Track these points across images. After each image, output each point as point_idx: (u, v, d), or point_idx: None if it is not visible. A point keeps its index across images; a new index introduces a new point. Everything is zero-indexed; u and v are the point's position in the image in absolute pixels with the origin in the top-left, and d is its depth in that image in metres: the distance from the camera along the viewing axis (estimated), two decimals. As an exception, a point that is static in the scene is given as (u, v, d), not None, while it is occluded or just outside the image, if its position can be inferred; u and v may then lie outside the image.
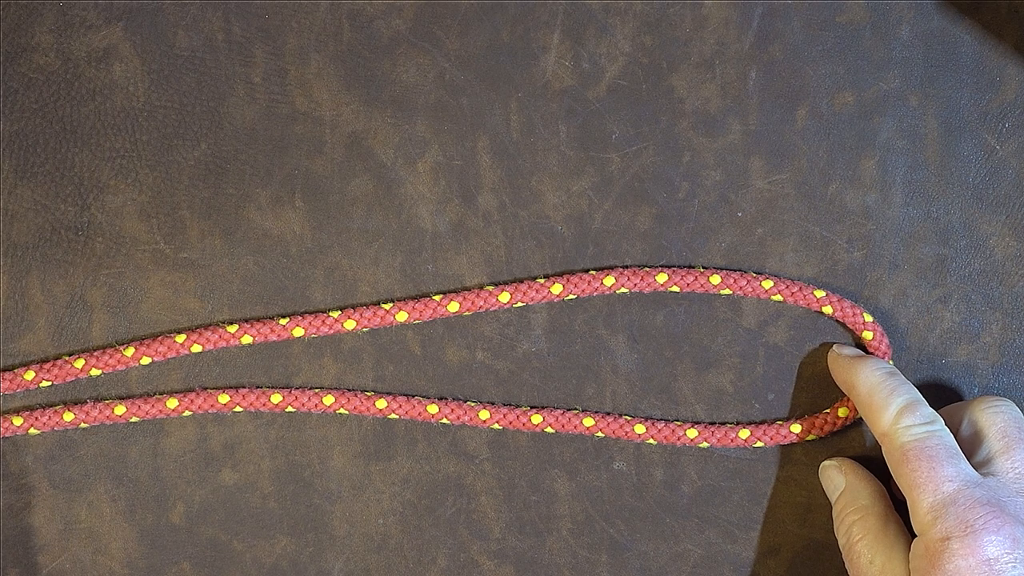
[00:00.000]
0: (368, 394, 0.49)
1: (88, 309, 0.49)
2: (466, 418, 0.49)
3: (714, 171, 0.49)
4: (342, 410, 0.49)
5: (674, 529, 0.50)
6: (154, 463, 0.49)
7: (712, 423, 0.49)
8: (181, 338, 0.48)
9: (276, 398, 0.48)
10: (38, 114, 0.48)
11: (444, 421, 0.49)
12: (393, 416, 0.49)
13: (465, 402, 0.49)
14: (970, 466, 0.43)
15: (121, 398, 0.49)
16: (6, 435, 0.48)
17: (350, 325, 0.48)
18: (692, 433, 0.49)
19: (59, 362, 0.48)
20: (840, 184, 0.48)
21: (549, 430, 0.49)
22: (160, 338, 0.49)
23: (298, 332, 0.48)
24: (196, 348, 0.48)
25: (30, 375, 0.48)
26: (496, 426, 0.49)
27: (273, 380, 0.49)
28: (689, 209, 0.49)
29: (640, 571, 0.50)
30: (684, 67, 0.48)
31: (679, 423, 0.49)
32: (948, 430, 0.44)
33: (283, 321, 0.48)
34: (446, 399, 0.49)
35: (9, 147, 0.48)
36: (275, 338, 0.49)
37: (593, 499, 0.50)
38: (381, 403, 0.49)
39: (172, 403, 0.48)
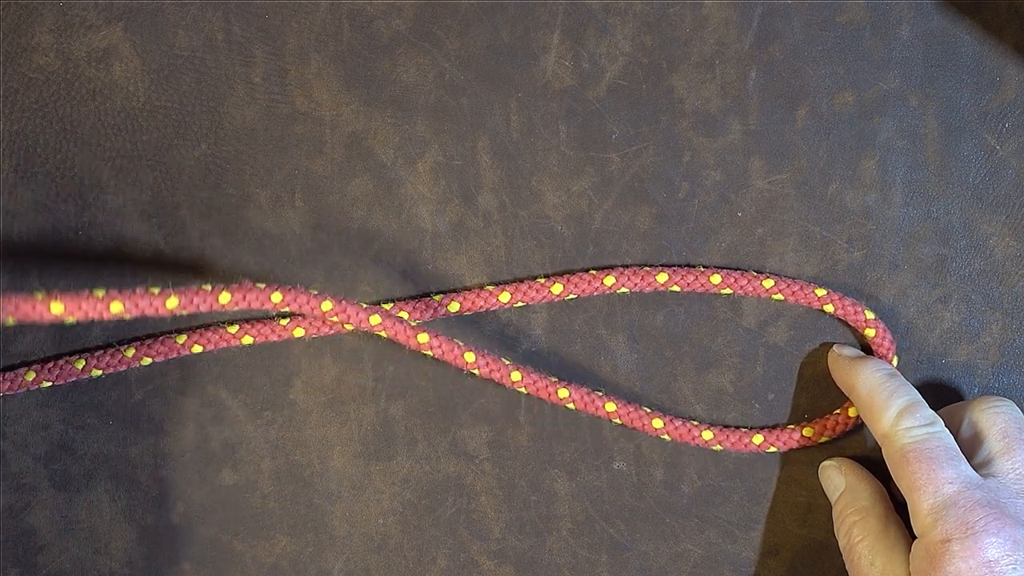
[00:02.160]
0: (506, 362, 0.47)
1: (88, 309, 0.49)
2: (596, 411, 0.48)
3: (714, 171, 0.49)
4: (475, 371, 0.47)
5: (674, 529, 0.50)
6: (154, 463, 0.49)
7: (726, 426, 0.49)
8: (181, 338, 0.48)
9: (375, 320, 0.46)
10: (38, 114, 0.48)
11: (570, 406, 0.48)
12: (522, 390, 0.48)
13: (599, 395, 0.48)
14: (970, 467, 0.43)
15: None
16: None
17: (350, 325, 0.48)
18: (707, 435, 0.49)
19: (59, 362, 0.48)
20: (840, 184, 0.48)
21: (665, 434, 0.48)
22: (160, 338, 0.48)
23: (298, 332, 0.48)
24: (196, 348, 0.48)
25: (30, 375, 0.48)
26: (616, 420, 0.48)
27: (273, 380, 0.49)
28: (689, 209, 0.49)
29: (640, 571, 0.50)
30: (684, 67, 0.48)
31: (695, 423, 0.49)
32: (948, 432, 0.44)
33: (283, 321, 0.48)
34: (574, 383, 0.48)
35: (9, 147, 0.48)
36: (275, 338, 0.48)
37: (593, 499, 0.50)
38: (516, 375, 0.47)
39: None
